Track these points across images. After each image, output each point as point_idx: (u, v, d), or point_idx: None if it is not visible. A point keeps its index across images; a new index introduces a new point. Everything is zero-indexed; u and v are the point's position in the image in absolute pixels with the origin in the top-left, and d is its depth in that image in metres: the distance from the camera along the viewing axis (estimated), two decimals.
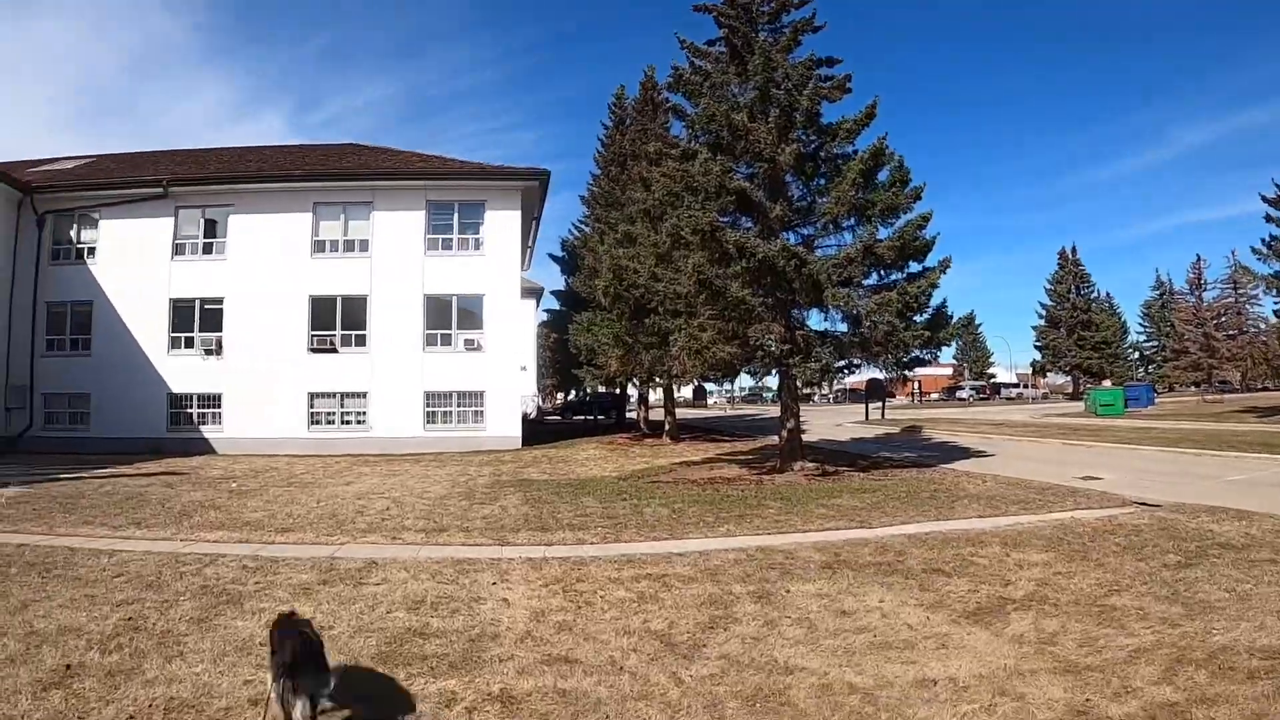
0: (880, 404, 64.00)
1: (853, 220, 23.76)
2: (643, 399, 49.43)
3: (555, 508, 18.21)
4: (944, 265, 22.76)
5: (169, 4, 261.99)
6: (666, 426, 41.78)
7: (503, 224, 39.34)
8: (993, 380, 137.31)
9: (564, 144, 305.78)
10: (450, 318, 39.05)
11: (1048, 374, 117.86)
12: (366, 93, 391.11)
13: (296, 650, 6.16)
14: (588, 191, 48.32)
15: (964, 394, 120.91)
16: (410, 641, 8.46)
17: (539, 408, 70.29)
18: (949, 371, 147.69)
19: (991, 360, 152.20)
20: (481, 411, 38.56)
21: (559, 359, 58.72)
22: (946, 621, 9.11)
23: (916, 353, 23.45)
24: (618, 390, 59.24)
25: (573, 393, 78.47)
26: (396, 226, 39.05)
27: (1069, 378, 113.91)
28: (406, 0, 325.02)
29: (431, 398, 38.52)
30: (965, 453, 31.48)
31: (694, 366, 23.42)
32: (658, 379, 38.17)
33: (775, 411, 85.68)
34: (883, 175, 23.57)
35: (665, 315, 23.47)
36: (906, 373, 25.45)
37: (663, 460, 30.56)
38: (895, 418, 60.48)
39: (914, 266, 23.43)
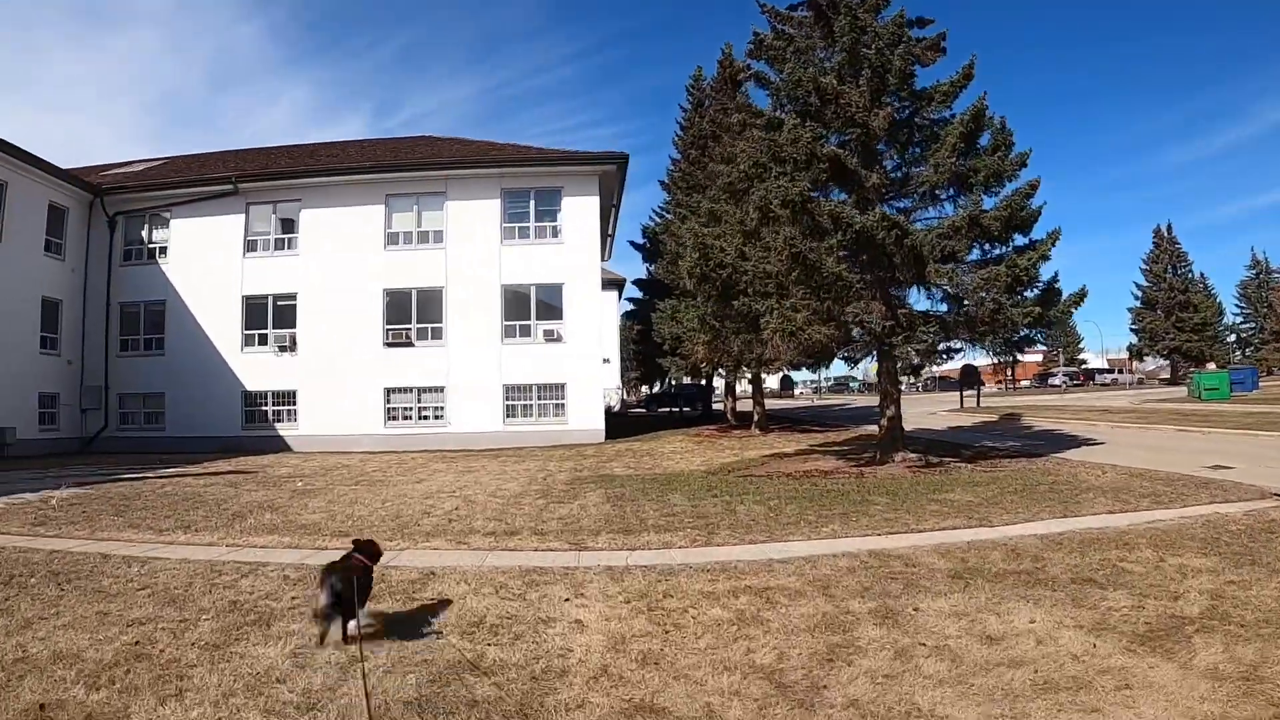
0: (975, 391, 61.40)
1: (952, 190, 21.92)
2: (729, 389, 47.72)
3: (639, 506, 16.61)
4: (1053, 237, 20.75)
5: (246, 10, 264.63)
6: (755, 417, 39.95)
7: (580, 211, 38.21)
8: (1085, 366, 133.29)
9: (643, 139, 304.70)
10: (529, 308, 37.96)
11: (1144, 358, 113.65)
12: (443, 93, 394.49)
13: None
14: (667, 176, 46.67)
15: (1056, 380, 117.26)
16: (457, 681, 6.82)
17: (623, 400, 68.80)
18: (1039, 358, 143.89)
19: (1081, 346, 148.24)
20: (563, 405, 37.42)
21: (642, 350, 57.07)
22: (1118, 650, 7.28)
23: (1025, 332, 21.42)
24: (703, 381, 58.42)
25: (656, 385, 77.09)
26: (471, 216, 38.11)
27: (1165, 362, 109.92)
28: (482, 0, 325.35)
29: (511, 391, 37.50)
30: (1073, 441, 29.23)
31: (787, 350, 21.65)
32: (746, 367, 36.52)
33: (863, 401, 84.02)
34: (983, 140, 21.65)
35: (754, 297, 21.69)
36: (1015, 354, 23.55)
37: (753, 452, 28.81)
38: (990, 405, 58.08)
39: (1018, 240, 21.43)
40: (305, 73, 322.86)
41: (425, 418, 37.74)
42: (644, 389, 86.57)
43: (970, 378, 60.99)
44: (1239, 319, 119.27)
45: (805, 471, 22.13)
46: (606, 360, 63.10)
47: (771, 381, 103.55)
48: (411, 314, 38.10)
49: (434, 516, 16.03)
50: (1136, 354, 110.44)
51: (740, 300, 21.93)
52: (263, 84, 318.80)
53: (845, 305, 20.48)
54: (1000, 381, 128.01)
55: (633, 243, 54.77)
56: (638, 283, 55.86)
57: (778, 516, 14.93)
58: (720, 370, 39.69)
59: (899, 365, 22.73)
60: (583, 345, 37.44)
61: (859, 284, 20.61)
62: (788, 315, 20.03)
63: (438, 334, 37.89)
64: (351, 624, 7.53)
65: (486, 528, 14.60)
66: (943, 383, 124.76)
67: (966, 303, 20.42)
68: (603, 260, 54.16)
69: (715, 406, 57.50)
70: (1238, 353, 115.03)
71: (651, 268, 50.93)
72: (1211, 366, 75.42)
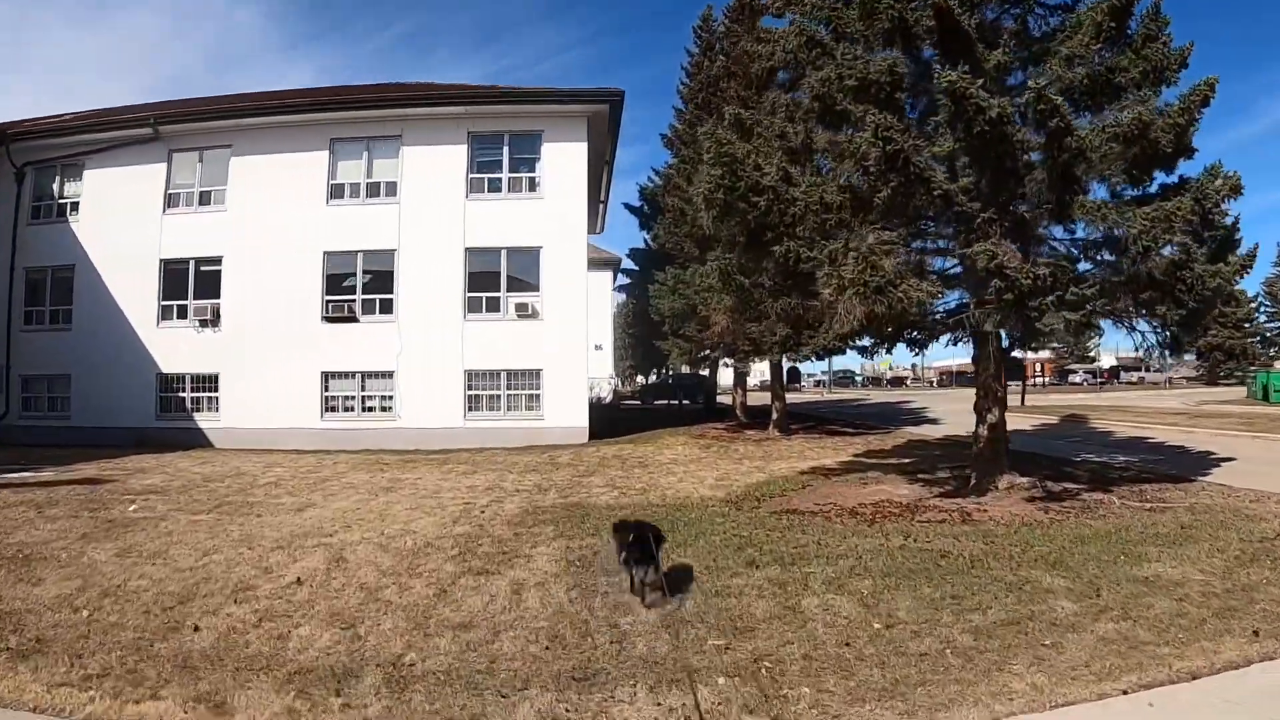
0: (1020, 387, 54.09)
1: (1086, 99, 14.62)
2: (739, 380, 40.69)
3: (620, 596, 9.33)
4: (1227, 181, 13.62)
5: None
6: (774, 415, 32.96)
7: (564, 160, 31.43)
8: (1098, 364, 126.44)
9: (642, 128, 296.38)
10: (498, 277, 31.23)
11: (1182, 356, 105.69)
12: (447, 78, 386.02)
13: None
14: (670, 131, 39.25)
15: (1078, 378, 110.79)
16: None
17: (615, 391, 62.08)
18: (1047, 355, 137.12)
19: (1098, 342, 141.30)
20: (538, 396, 30.75)
21: (637, 333, 50.96)
22: None
23: (1207, 296, 14.05)
24: (704, 371, 52.37)
25: (653, 374, 71.65)
26: (431, 165, 31.48)
27: (1189, 359, 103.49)
28: None
29: (474, 378, 30.88)
30: (1193, 455, 23.16)
31: (856, 316, 13.87)
32: (784, 350, 29.40)
33: (880, 396, 78.06)
34: (1131, 26, 14.38)
35: (804, 240, 14.29)
36: (1186, 335, 16.70)
37: (782, 465, 22.01)
38: (1035, 404, 51.28)
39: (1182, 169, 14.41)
40: (307, 59, 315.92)
41: (370, 409, 31.26)
42: (639, 379, 79.30)
43: (1014, 372, 53.80)
44: (1263, 318, 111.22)
45: (877, 506, 15.14)
46: (599, 347, 59.04)
47: (766, 373, 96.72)
48: (356, 282, 31.64)
49: (244, 606, 9.07)
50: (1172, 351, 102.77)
51: (783, 245, 14.43)
52: (264, 68, 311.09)
53: (967, 244, 13.22)
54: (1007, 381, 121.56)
55: (627, 205, 47.75)
56: (633, 254, 49.02)
57: (889, 634, 7.83)
58: (741, 352, 32.24)
59: (1033, 345, 15.99)
60: (563, 323, 30.80)
61: (980, 215, 13.33)
62: (869, 261, 12.67)
63: (387, 307, 31.29)
64: None
65: (305, 654, 7.59)
66: (959, 378, 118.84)
67: (1131, 250, 13.08)
68: (594, 232, 47.70)
69: (721, 401, 50.14)
70: (1270, 351, 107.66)
71: (649, 235, 44.25)
72: None
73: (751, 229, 15.02)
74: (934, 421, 38.28)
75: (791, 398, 70.01)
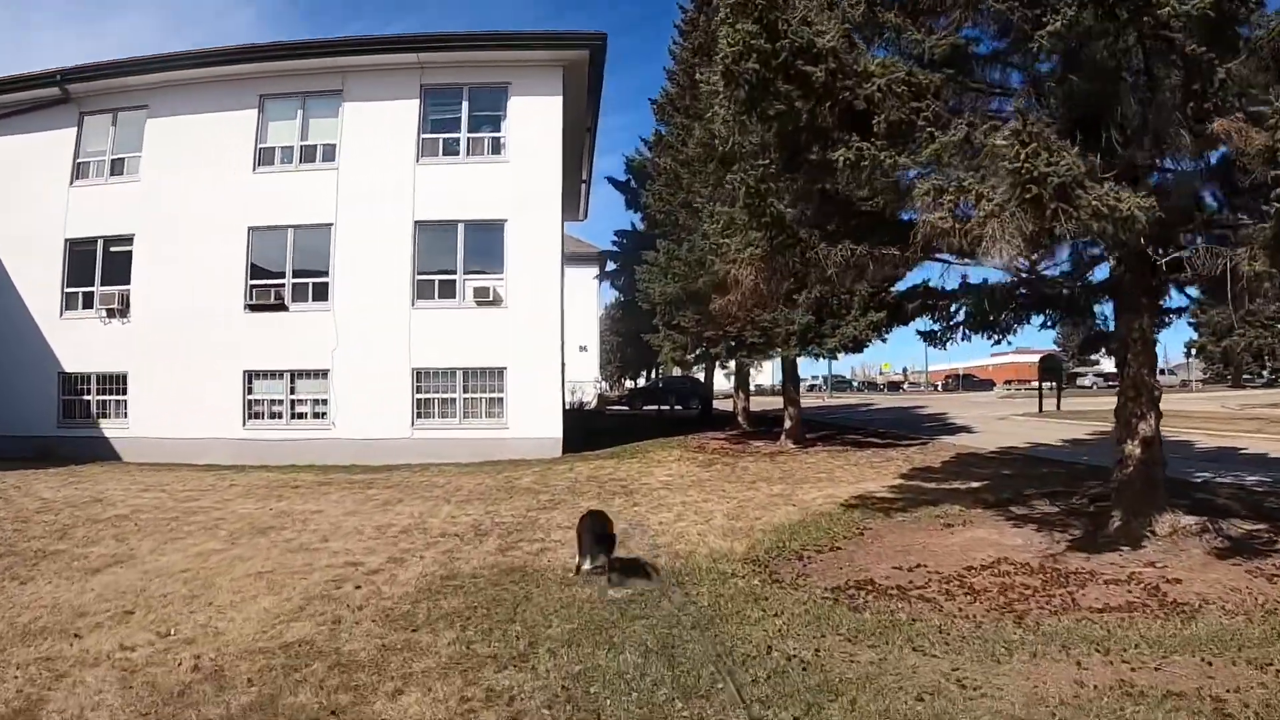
0: (1056, 390, 48.50)
1: None
2: (742, 382, 35.24)
3: None
4: None
5: None
6: (787, 423, 27.45)
7: (536, 116, 26.24)
8: (1098, 367, 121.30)
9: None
10: (454, 255, 26.06)
11: (1201, 356, 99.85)
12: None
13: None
14: (661, 95, 33.51)
15: (1087, 381, 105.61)
16: None
17: (600, 395, 56.68)
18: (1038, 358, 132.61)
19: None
20: (500, 400, 25.50)
21: (624, 329, 45.49)
22: None
23: None
24: (698, 374, 47.78)
25: (641, 377, 65.85)
26: (377, 124, 26.35)
27: (1201, 362, 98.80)
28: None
29: (424, 378, 25.75)
30: None
31: (1034, 229, 8.05)
32: (794, 338, 24.16)
33: (886, 401, 72.38)
34: None
35: (884, 141, 8.79)
36: None
37: (813, 492, 16.73)
38: (1067, 409, 45.66)
39: None
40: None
41: (300, 416, 26.07)
42: (627, 383, 73.74)
43: (1052, 373, 48.59)
44: None
45: (997, 574, 9.91)
46: (583, 348, 54.82)
47: (763, 377, 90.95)
48: (287, 263, 26.39)
49: None
50: (1199, 352, 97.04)
51: (848, 150, 8.93)
52: None
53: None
54: (1009, 382, 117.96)
55: (612, 180, 41.53)
56: (619, 239, 43.10)
57: None
58: (749, 346, 26.58)
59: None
60: (533, 312, 25.55)
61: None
62: (1044, 143, 7.27)
63: (321, 293, 26.08)
64: None
65: None
66: (966, 381, 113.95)
67: None
68: (576, 219, 42.90)
69: (718, 406, 44.65)
70: None
71: (638, 217, 38.94)
72: None
73: (798, 128, 9.61)
74: (968, 430, 32.88)
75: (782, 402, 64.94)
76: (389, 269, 25.61)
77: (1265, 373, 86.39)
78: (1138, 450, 11.50)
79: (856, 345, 24.49)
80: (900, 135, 8.99)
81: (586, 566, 9.71)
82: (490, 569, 10.24)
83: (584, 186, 39.32)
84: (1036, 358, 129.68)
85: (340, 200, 25.69)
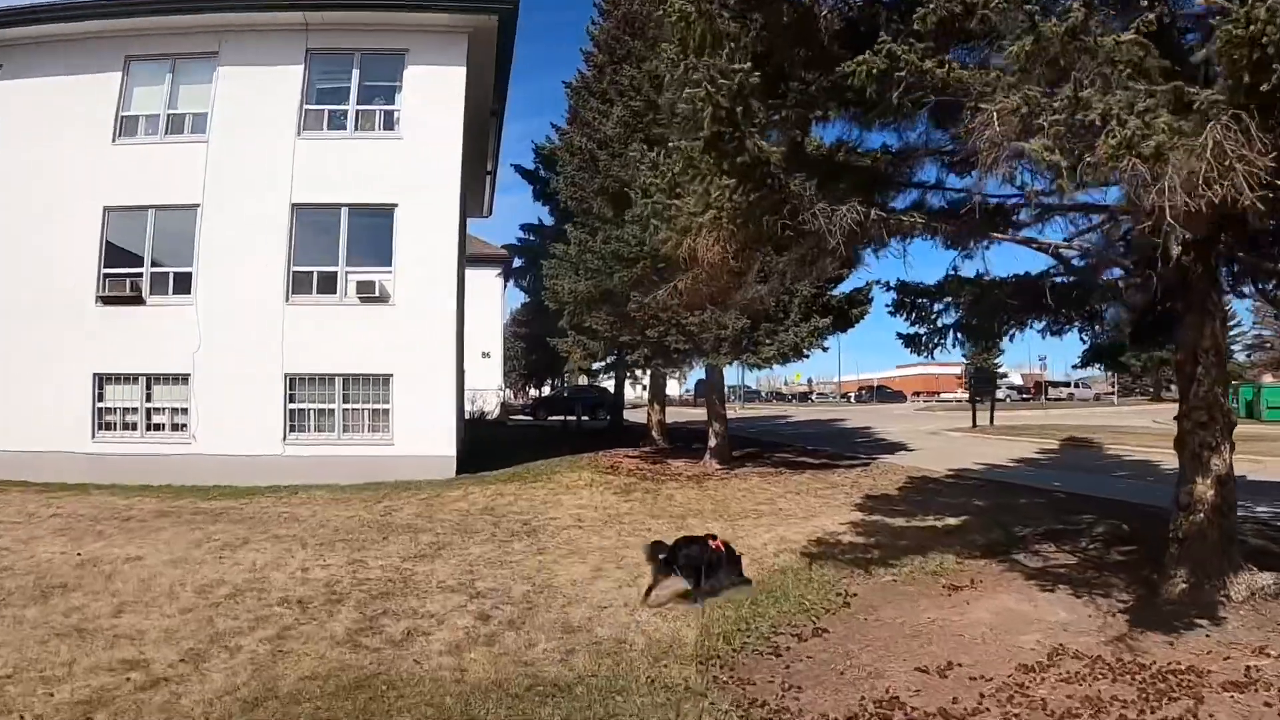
0: (989, 404, 46.29)
1: None
2: (658, 393, 32.28)
3: None
4: None
5: None
6: (712, 440, 24.58)
7: (435, 88, 23.14)
8: (1008, 379, 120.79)
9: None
10: (337, 245, 22.68)
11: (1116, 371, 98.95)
12: None
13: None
14: (576, 79, 30.21)
15: (1000, 394, 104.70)
16: None
17: (503, 404, 53.63)
18: (958, 370, 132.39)
19: (999, 360, 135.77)
20: (386, 412, 22.20)
21: (529, 332, 42.41)
22: None
23: None
24: (604, 382, 45.27)
25: (546, 386, 63.72)
26: (255, 92, 22.88)
27: (1108, 375, 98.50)
28: None
29: (299, 386, 22.30)
30: None
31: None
32: (726, 345, 21.16)
33: (804, 414, 70.12)
34: None
35: (930, 40, 5.90)
36: None
37: (760, 532, 13.90)
38: (1008, 425, 44.37)
39: None
40: None
41: (158, 427, 22.41)
42: (533, 391, 70.58)
43: (984, 386, 46.64)
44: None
45: (1079, 684, 7.15)
46: (486, 354, 51.80)
47: (671, 386, 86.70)
48: (145, 251, 22.90)
49: None
50: (1122, 366, 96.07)
51: (873, 56, 5.99)
52: None
53: None
54: (919, 394, 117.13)
55: (519, 168, 37.89)
56: (525, 234, 39.82)
57: None
58: (674, 353, 23.61)
59: None
60: (425, 311, 22.44)
61: None
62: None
63: (184, 285, 22.56)
64: None
65: None
66: (879, 393, 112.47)
67: None
68: (480, 215, 39.65)
69: (629, 418, 41.63)
70: None
71: (546, 210, 36.17)
72: (1269, 379, 63.58)
73: (801, 15, 6.68)
74: (904, 448, 30.45)
75: (702, 414, 61.82)
76: (261, 259, 22.28)
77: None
78: (1210, 492, 8.97)
79: (797, 353, 21.75)
80: (956, 33, 6.06)
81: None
82: (329, 676, 7.07)
83: (489, 179, 35.80)
84: (946, 370, 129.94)
85: (208, 178, 22.31)
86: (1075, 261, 10.07)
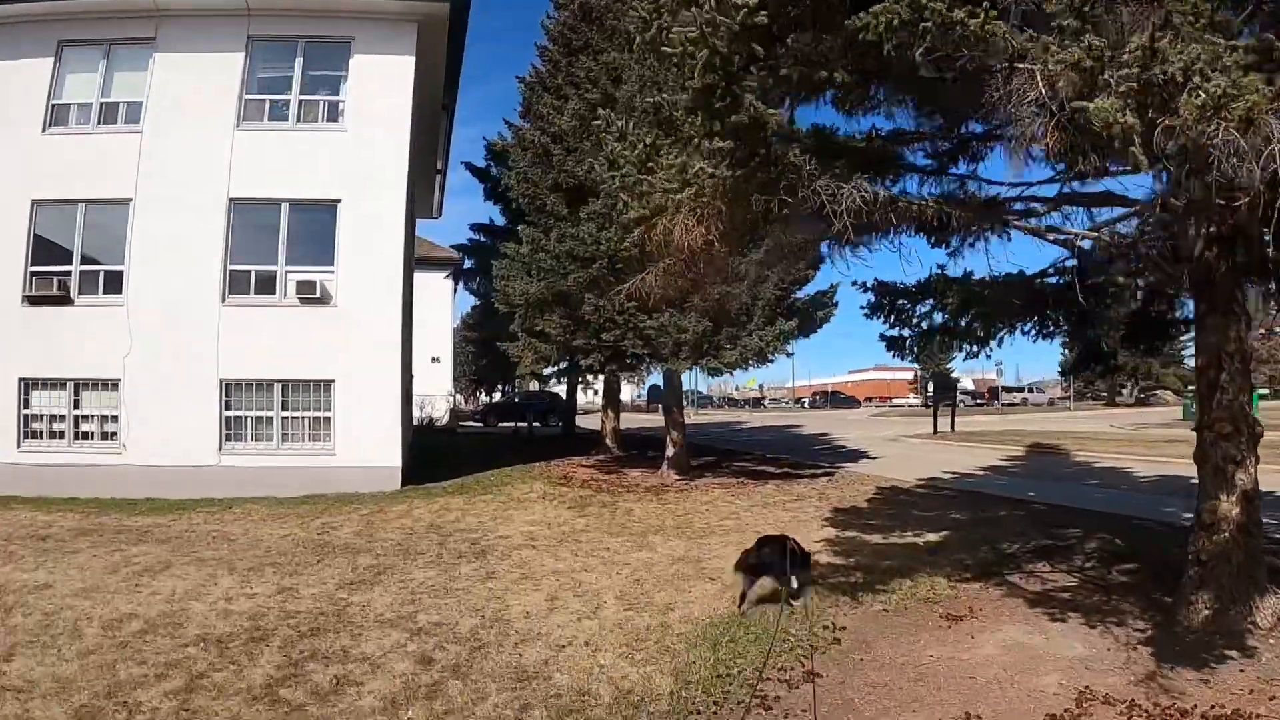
0: (951, 410, 45.40)
1: None
2: (612, 399, 31.24)
3: None
4: None
5: None
6: (670, 449, 23.56)
7: (383, 78, 22.05)
8: (960, 384, 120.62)
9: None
10: (275, 244, 21.47)
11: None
12: None
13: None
14: (530, 74, 29.08)
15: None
16: None
17: (452, 411, 52.36)
18: (910, 376, 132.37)
19: (952, 367, 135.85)
20: (328, 420, 21.03)
21: (480, 336, 41.39)
22: None
23: None
24: (555, 387, 45.48)
25: (498, 392, 62.31)
26: (194, 80, 21.61)
27: (1062, 381, 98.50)
28: None
29: (236, 392, 21.04)
30: None
31: None
32: (687, 349, 20.17)
33: (757, 420, 69.13)
34: None
35: None
36: None
37: (733, 556, 12.47)
38: (968, 431, 42.94)
39: None
40: None
41: (86, 436, 21.13)
42: (483, 396, 69.25)
43: (945, 391, 45.91)
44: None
45: None
46: (436, 359, 49.83)
47: (623, 391, 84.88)
48: (75, 248, 21.53)
49: None
50: (1073, 371, 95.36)
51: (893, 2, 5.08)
52: None
53: None
54: (871, 398, 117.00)
55: (469, 165, 36.70)
56: (476, 234, 38.60)
57: None
58: (630, 358, 22.64)
59: None
60: (370, 313, 21.27)
61: None
62: None
63: (115, 284, 21.28)
64: None
65: None
66: (834, 398, 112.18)
67: None
68: (430, 216, 38.45)
69: (582, 425, 40.55)
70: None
71: (498, 210, 34.86)
72: None
73: None
74: (866, 455, 29.57)
75: (655, 420, 60.69)
76: (196, 257, 21.02)
77: (1128, 392, 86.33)
78: (1235, 510, 8.16)
79: (761, 357, 20.82)
80: None
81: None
82: None
83: (439, 179, 34.61)
84: (898, 375, 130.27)
85: (142, 171, 21.03)
86: (1097, 257, 9.17)
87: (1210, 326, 8.17)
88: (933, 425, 42.24)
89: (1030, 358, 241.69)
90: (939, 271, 10.79)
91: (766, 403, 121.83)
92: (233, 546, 13.25)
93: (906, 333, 11.46)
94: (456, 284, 49.50)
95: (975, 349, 11.62)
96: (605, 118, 9.40)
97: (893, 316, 11.45)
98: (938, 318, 11.35)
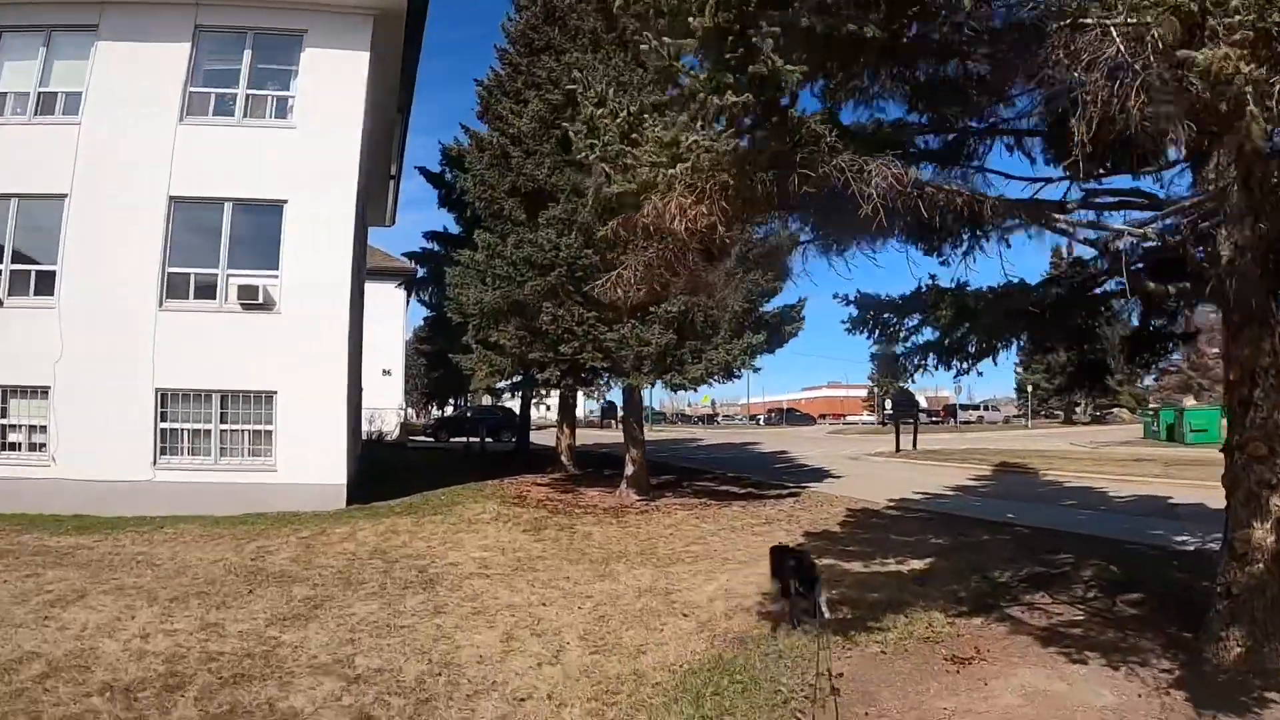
0: (913, 428, 44.62)
1: None
2: (568, 414, 30.21)
3: None
4: None
5: None
6: (629, 468, 22.42)
7: (337, 74, 20.96)
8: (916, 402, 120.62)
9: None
10: (218, 244, 20.25)
11: (1028, 395, 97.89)
12: None
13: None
14: (489, 77, 27.91)
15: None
16: None
17: (403, 425, 51.12)
18: (863, 394, 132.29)
19: (906, 382, 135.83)
20: (269, 433, 19.78)
21: (431, 349, 40.15)
22: None
23: None
24: (508, 403, 44.66)
25: (449, 406, 61.04)
26: (136, 70, 20.33)
27: (1015, 400, 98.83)
28: None
29: (171, 403, 19.72)
30: None
31: None
32: (649, 363, 19.19)
33: (711, 437, 67.96)
34: None
35: None
36: None
37: (705, 588, 11.71)
38: (930, 449, 42.37)
39: None
40: None
41: (13, 447, 19.75)
42: (435, 410, 67.77)
43: (906, 409, 45.34)
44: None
45: None
46: (387, 372, 49.63)
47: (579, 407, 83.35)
48: (6, 245, 20.17)
49: None
50: (1027, 390, 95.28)
51: None
52: None
53: None
54: (823, 415, 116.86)
55: (423, 170, 35.21)
56: (430, 242, 37.22)
57: None
58: (587, 371, 21.55)
59: None
60: (315, 321, 20.03)
61: None
62: None
63: (46, 285, 19.97)
64: None
65: None
66: (789, 415, 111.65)
67: None
68: (383, 224, 37.59)
69: (535, 441, 39.39)
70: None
71: (452, 218, 33.81)
72: (1191, 401, 63.78)
73: None
74: (830, 474, 28.69)
75: (602, 435, 59.61)
76: (134, 258, 19.79)
77: (1082, 409, 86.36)
78: (1270, 538, 7.46)
79: (727, 373, 19.91)
80: None
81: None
82: None
83: (393, 185, 33.58)
84: (851, 393, 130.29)
85: (79, 165, 19.81)
86: (1130, 257, 8.34)
87: (1244, 339, 7.39)
88: (895, 444, 41.69)
89: (985, 376, 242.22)
90: (931, 282, 9.98)
91: (720, 419, 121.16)
92: (158, 573, 12.11)
93: (899, 349, 10.64)
94: (409, 295, 48.26)
95: (968, 365, 10.82)
96: (582, 80, 8.37)
97: (877, 331, 10.63)
98: (927, 333, 10.55)
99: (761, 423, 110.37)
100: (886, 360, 10.90)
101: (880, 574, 12.06)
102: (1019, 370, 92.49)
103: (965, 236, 9.65)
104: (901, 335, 10.66)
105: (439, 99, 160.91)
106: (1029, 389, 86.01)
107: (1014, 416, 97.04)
